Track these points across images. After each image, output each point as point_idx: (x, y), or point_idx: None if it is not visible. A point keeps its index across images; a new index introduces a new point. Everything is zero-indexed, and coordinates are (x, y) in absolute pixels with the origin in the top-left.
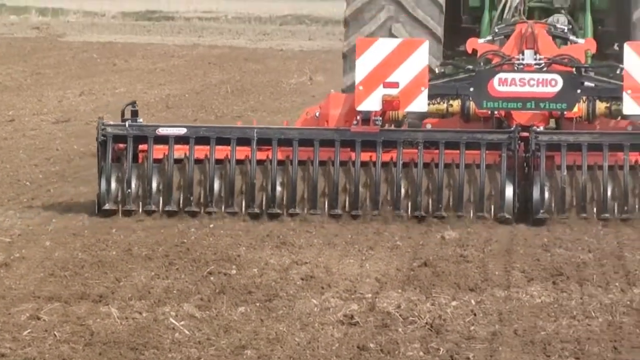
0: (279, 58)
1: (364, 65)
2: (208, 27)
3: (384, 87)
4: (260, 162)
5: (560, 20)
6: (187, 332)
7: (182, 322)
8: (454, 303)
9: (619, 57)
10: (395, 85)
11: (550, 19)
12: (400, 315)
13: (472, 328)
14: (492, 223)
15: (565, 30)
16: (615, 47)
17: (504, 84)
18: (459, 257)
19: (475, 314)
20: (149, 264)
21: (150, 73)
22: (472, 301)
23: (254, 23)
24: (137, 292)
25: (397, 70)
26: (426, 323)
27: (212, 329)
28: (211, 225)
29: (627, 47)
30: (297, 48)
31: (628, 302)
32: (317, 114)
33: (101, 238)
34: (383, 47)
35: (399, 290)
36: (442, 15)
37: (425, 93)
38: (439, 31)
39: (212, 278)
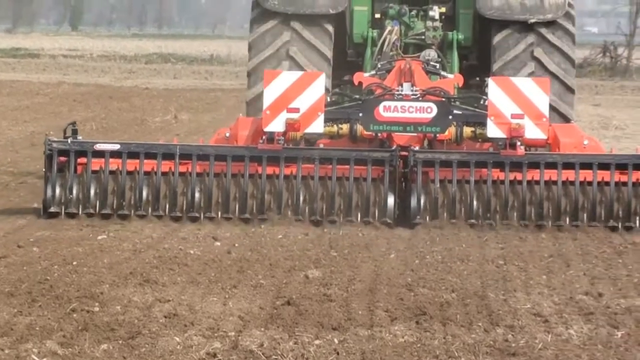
0: (144, 96)
1: (271, 93)
2: (73, 64)
3: (287, 112)
4: (181, 174)
5: (431, 55)
6: None
7: (45, 359)
8: (317, 342)
9: (480, 87)
10: (296, 110)
11: (422, 54)
12: (263, 353)
13: None
14: (355, 262)
15: (437, 67)
16: (477, 79)
17: (388, 110)
18: (323, 296)
19: (338, 353)
20: (11, 301)
21: (15, 110)
22: (335, 340)
23: (119, 61)
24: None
25: (299, 97)
26: None
27: None
28: (74, 263)
29: (491, 81)
30: (162, 86)
31: (491, 342)
32: (227, 135)
33: None
34: (287, 78)
35: (262, 329)
36: (332, 43)
37: (321, 117)
38: (329, 55)
39: (74, 315)
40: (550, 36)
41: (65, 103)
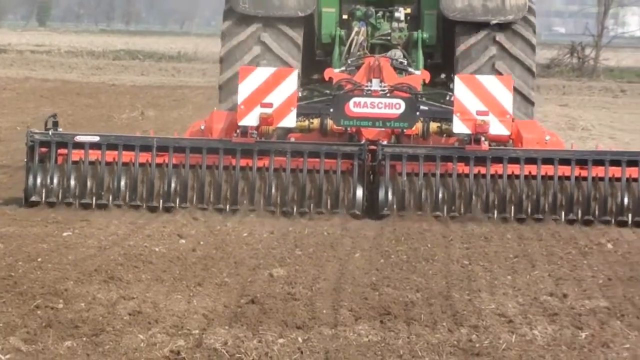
0: (111, 92)
1: (245, 88)
2: (40, 60)
3: (261, 106)
4: (158, 165)
5: (397, 54)
6: None
7: (8, 356)
8: (280, 340)
9: (445, 85)
10: (270, 105)
11: (389, 53)
12: (227, 352)
13: None
14: (320, 261)
15: (405, 64)
16: (442, 76)
17: (357, 106)
18: (287, 295)
19: (302, 352)
20: None
21: None
22: (299, 339)
23: (86, 57)
24: None
25: (272, 93)
26: None
27: None
28: (39, 259)
29: (457, 78)
30: (129, 83)
31: (455, 342)
32: (202, 128)
33: None
34: (261, 74)
35: (226, 327)
36: (300, 53)
37: (294, 112)
38: (297, 66)
39: (39, 312)
40: (512, 25)
41: (32, 99)
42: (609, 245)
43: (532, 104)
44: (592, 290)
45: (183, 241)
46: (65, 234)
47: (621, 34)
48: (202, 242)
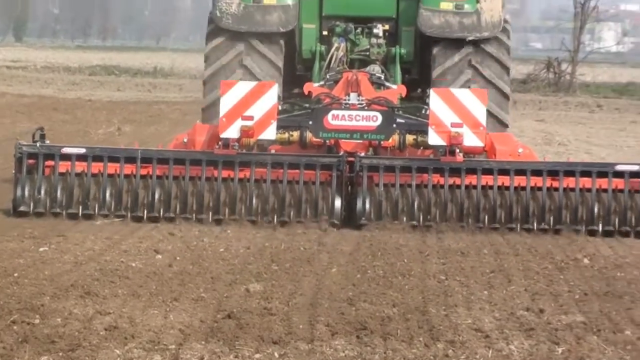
0: (87, 108)
1: (227, 101)
2: (17, 75)
3: (242, 119)
4: (142, 177)
5: (376, 70)
6: None
7: None
8: (257, 356)
9: (422, 99)
10: (250, 118)
11: (367, 68)
12: None
13: None
14: (296, 276)
15: (382, 79)
16: (419, 91)
17: (336, 118)
18: (263, 310)
19: None
20: None
21: None
22: (276, 354)
23: (63, 72)
24: None
25: (253, 106)
26: None
27: None
28: (15, 274)
29: (432, 92)
30: (105, 98)
31: (432, 357)
32: (185, 140)
33: None
34: (242, 88)
35: (203, 342)
36: (280, 76)
37: (274, 125)
38: (281, 65)
39: (15, 327)
40: (486, 47)
41: (8, 114)
42: (586, 261)
43: (508, 98)
44: (569, 306)
45: (159, 256)
46: (41, 249)
47: (597, 49)
48: (178, 258)
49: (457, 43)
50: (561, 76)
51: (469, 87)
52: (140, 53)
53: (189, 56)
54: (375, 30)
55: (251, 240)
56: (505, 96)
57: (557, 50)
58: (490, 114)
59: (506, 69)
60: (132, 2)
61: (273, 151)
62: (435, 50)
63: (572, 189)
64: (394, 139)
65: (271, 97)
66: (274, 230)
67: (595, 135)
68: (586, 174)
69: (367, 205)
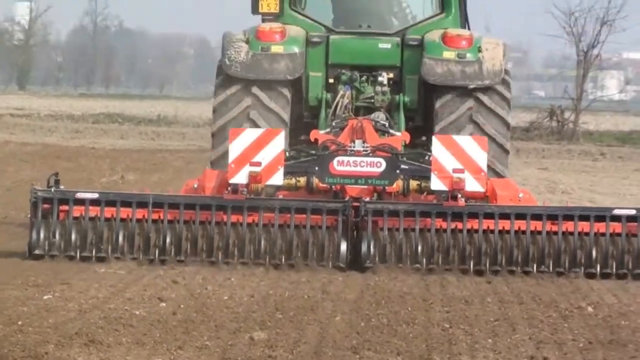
0: (90, 156)
1: (236, 148)
2: (20, 123)
3: (250, 165)
4: (154, 221)
5: (380, 117)
6: None
7: None
8: None
9: (425, 145)
10: (258, 164)
11: (372, 115)
12: None
13: None
14: (301, 324)
15: (386, 126)
16: (423, 138)
17: (341, 164)
18: (268, 358)
19: None
20: None
21: None
22: None
23: (66, 120)
24: None
25: (261, 152)
26: None
27: None
28: (19, 322)
29: (435, 139)
30: (109, 146)
31: None
32: (195, 186)
33: None
34: (250, 135)
35: None
36: (287, 129)
37: (281, 170)
38: (287, 117)
39: None
40: (487, 101)
41: (12, 162)
42: (590, 309)
43: (507, 152)
44: (573, 354)
45: (163, 304)
46: (45, 297)
47: (600, 98)
48: (182, 306)
49: (460, 94)
50: (564, 124)
51: (470, 115)
52: (144, 101)
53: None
54: (380, 78)
55: (255, 288)
56: (505, 151)
57: (560, 98)
58: (489, 167)
59: (506, 124)
60: (136, 50)
61: (280, 196)
62: (438, 105)
63: (571, 233)
64: (398, 184)
65: (278, 143)
66: (278, 278)
67: (599, 183)
68: (584, 218)
69: (372, 249)
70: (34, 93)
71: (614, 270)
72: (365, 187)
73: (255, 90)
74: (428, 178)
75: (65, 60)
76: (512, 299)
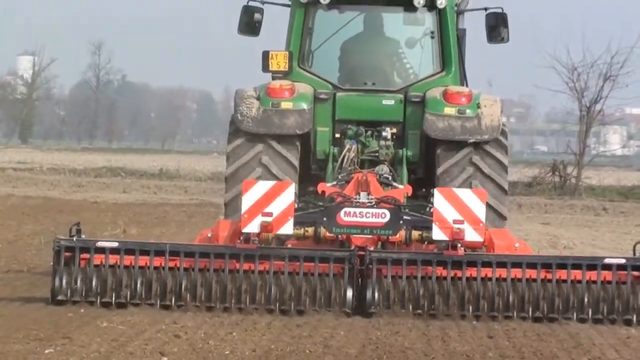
0: (93, 210)
1: (249, 199)
2: (23, 177)
3: (262, 215)
4: (171, 269)
5: (384, 170)
6: None
7: None
8: None
9: (426, 198)
10: (270, 214)
11: (376, 168)
12: None
13: None
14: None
15: (390, 178)
16: (424, 190)
17: (348, 215)
18: None
19: None
20: None
21: None
22: None
23: (68, 174)
24: None
25: (272, 203)
26: None
27: None
28: None
29: (436, 192)
30: (111, 200)
31: None
32: (209, 235)
33: None
34: (262, 187)
35: None
36: (296, 174)
37: (291, 221)
38: (296, 163)
39: None
40: (486, 147)
41: (14, 216)
42: None
43: (506, 192)
44: None
45: (165, 359)
46: (47, 351)
47: (603, 153)
48: None
49: (460, 144)
50: (567, 179)
51: (470, 183)
52: (146, 155)
53: (195, 158)
54: (384, 133)
55: (257, 343)
56: (504, 191)
57: (562, 153)
58: (489, 207)
59: (504, 167)
60: (138, 104)
61: (290, 245)
62: (439, 150)
63: (564, 281)
64: (401, 234)
65: (289, 195)
66: (280, 332)
67: (601, 238)
68: (577, 266)
69: (377, 295)
70: (37, 147)
71: (605, 315)
72: (370, 236)
73: (265, 159)
74: (429, 228)
75: (68, 114)
76: (514, 353)
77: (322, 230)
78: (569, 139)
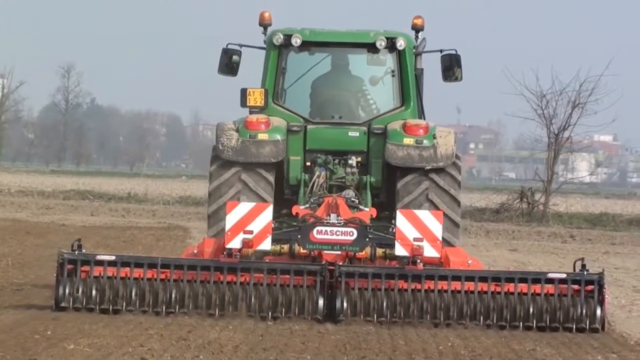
0: (60, 232)
1: (232, 218)
2: None
3: (244, 233)
4: (162, 280)
5: (350, 194)
6: None
7: None
8: None
9: (388, 219)
10: (250, 232)
11: (343, 193)
12: None
13: None
14: None
15: (356, 202)
16: (386, 212)
17: (320, 233)
18: None
19: None
20: None
21: None
22: None
23: (37, 197)
24: None
25: (252, 222)
26: None
27: None
28: None
29: (399, 213)
30: (79, 223)
31: None
32: (195, 251)
33: None
34: (243, 207)
35: None
36: (272, 190)
37: (269, 238)
38: (270, 199)
39: None
40: (441, 182)
41: None
42: None
43: (458, 226)
44: None
45: None
46: None
47: (571, 180)
48: None
49: (418, 175)
50: (534, 206)
51: (426, 194)
52: (115, 178)
53: (163, 182)
54: (349, 161)
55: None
56: (456, 225)
57: (530, 180)
58: (445, 215)
59: (457, 202)
60: (107, 128)
61: (268, 260)
62: (399, 185)
63: (512, 293)
64: (367, 251)
65: (267, 215)
66: (246, 356)
67: (568, 265)
68: (523, 280)
69: (345, 305)
70: (5, 169)
71: (547, 324)
72: (340, 253)
73: (244, 177)
74: (392, 246)
75: (36, 137)
76: (466, 353)
77: (297, 247)
78: (537, 166)
